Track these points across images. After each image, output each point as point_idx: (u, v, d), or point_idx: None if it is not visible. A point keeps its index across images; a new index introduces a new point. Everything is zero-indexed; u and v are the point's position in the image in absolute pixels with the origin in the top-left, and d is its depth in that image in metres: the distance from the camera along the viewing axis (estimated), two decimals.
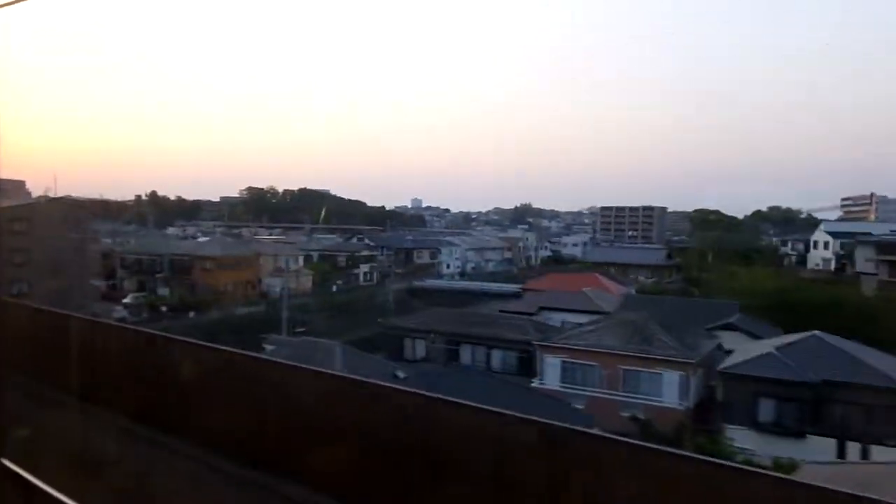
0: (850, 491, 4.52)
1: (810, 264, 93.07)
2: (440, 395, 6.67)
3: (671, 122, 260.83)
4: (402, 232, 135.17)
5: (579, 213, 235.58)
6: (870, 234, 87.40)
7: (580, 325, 41.27)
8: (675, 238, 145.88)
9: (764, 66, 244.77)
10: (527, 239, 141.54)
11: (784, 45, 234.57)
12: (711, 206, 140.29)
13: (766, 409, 28.63)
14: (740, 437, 27.73)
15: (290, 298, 68.20)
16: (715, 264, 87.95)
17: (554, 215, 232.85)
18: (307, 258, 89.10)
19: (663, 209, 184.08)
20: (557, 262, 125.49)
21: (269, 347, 29.13)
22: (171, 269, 74.11)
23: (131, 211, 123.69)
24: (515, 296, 65.34)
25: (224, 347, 8.83)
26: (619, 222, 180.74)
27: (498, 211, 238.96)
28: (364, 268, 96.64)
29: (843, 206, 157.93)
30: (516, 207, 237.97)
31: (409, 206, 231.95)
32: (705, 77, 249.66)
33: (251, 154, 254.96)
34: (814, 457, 24.81)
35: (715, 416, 32.34)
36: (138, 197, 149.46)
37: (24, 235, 54.71)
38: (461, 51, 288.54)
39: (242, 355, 8.46)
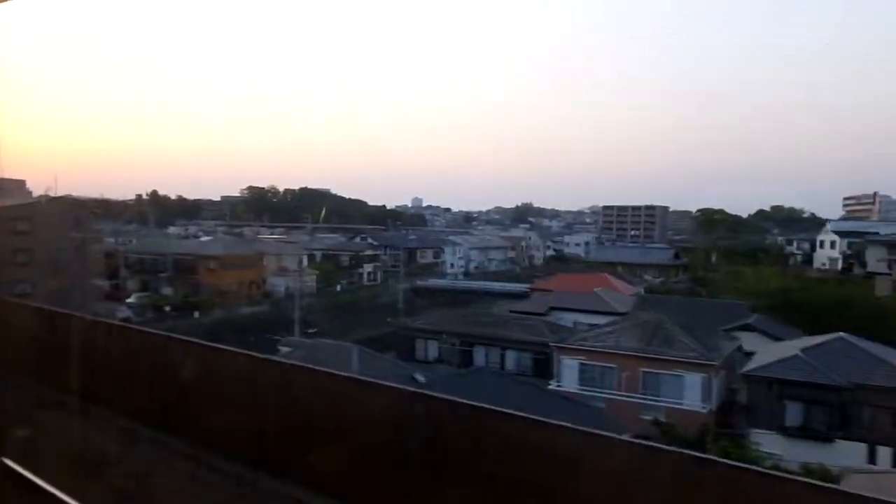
0: None
1: (816, 264, 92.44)
2: (531, 416, 5.93)
3: (671, 122, 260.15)
4: (404, 231, 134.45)
5: (580, 213, 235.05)
6: (877, 233, 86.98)
7: (592, 325, 40.69)
8: (678, 237, 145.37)
9: (764, 66, 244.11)
10: (529, 238, 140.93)
11: (784, 45, 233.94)
12: (711, 206, 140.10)
13: (793, 413, 28.01)
14: (767, 442, 27.14)
15: (295, 298, 67.64)
16: (721, 264, 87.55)
17: (555, 214, 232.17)
18: (310, 258, 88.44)
19: (665, 208, 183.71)
20: (560, 261, 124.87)
21: (284, 349, 28.43)
22: (174, 269, 73.43)
23: (132, 210, 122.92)
24: (523, 296, 64.76)
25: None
26: (621, 221, 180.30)
27: (499, 210, 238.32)
28: (367, 267, 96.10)
29: (845, 205, 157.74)
30: (517, 207, 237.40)
31: (410, 205, 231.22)
32: (705, 77, 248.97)
33: (252, 153, 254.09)
34: (843, 462, 24.26)
35: (737, 419, 31.75)
36: (139, 196, 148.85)
37: (26, 235, 54.07)
38: (461, 51, 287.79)
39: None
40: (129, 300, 64.66)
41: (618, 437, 5.61)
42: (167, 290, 71.01)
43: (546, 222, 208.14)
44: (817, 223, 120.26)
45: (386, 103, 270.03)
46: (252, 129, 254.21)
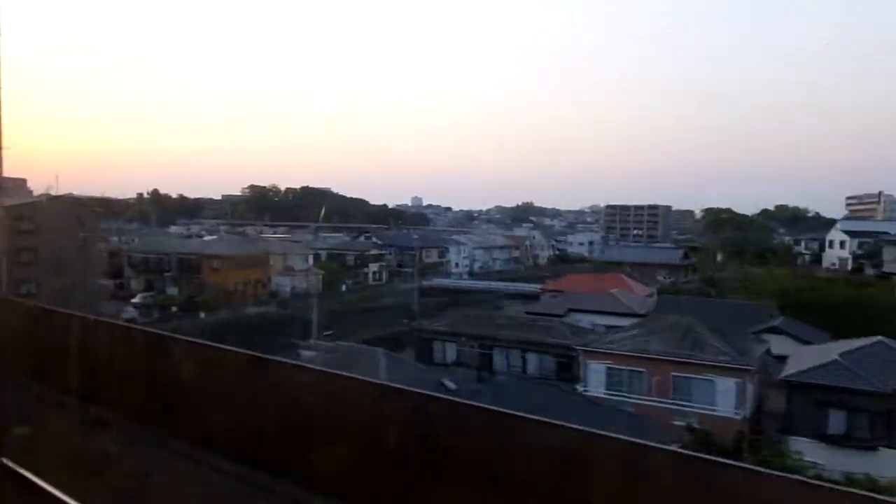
0: None
1: (825, 263, 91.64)
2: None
3: (671, 121, 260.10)
4: (407, 230, 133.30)
5: (581, 212, 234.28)
6: (888, 233, 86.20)
7: (610, 327, 39.66)
8: (682, 237, 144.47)
9: (764, 66, 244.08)
10: (533, 237, 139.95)
11: (784, 45, 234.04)
12: (712, 205, 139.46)
13: (835, 420, 27.02)
14: (807, 450, 26.16)
15: (301, 298, 66.62)
16: (729, 264, 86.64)
17: (556, 214, 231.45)
18: (315, 257, 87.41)
19: (668, 208, 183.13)
20: (564, 261, 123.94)
21: (306, 353, 27.31)
22: (179, 268, 72.30)
23: (133, 209, 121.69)
24: (534, 297, 63.70)
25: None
26: (624, 221, 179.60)
27: (499, 209, 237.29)
28: (373, 267, 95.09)
29: (848, 204, 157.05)
30: (518, 206, 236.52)
31: (410, 204, 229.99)
32: (705, 77, 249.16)
33: (253, 153, 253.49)
34: (889, 472, 23.30)
35: (768, 426, 30.77)
36: (140, 195, 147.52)
37: (30, 234, 53.05)
38: (461, 51, 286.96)
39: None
40: (133, 300, 63.66)
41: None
42: (172, 290, 69.94)
43: (547, 221, 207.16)
44: (822, 223, 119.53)
45: (386, 103, 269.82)
46: (253, 128, 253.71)
